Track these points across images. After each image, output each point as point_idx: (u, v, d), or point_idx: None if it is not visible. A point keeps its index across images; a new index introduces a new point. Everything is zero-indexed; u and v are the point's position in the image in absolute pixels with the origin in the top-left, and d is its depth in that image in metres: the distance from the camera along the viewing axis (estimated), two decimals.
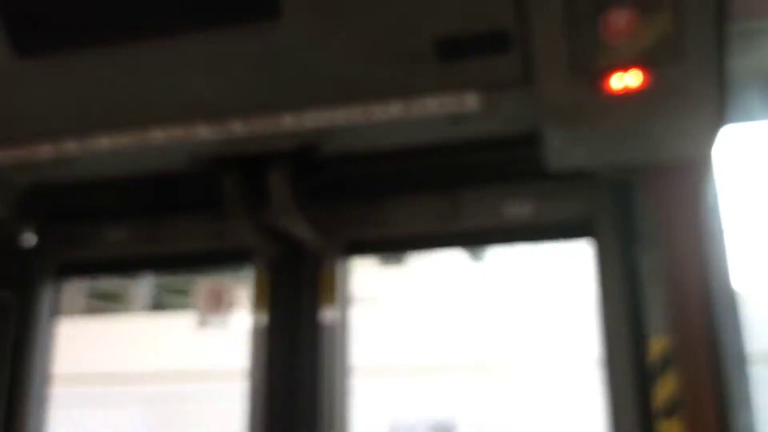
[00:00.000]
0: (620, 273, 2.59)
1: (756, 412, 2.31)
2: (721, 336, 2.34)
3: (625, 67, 2.00)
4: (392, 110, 2.24)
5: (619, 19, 1.98)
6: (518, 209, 2.79)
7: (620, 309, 2.57)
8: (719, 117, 2.03)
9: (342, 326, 2.93)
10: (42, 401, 3.17)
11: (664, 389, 2.33)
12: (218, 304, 3.12)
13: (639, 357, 2.46)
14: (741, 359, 2.33)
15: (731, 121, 2.12)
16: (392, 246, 3.05)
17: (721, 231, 2.47)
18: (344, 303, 2.97)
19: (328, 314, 2.90)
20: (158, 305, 8.97)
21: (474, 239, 2.99)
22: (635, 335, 2.50)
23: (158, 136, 2.38)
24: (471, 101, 2.19)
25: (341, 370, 2.88)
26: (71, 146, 2.46)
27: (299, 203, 2.70)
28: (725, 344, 2.34)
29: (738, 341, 2.35)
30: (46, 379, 3.18)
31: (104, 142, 2.43)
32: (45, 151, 2.50)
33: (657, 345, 2.37)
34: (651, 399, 2.36)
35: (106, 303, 8.87)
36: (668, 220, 2.46)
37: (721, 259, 2.44)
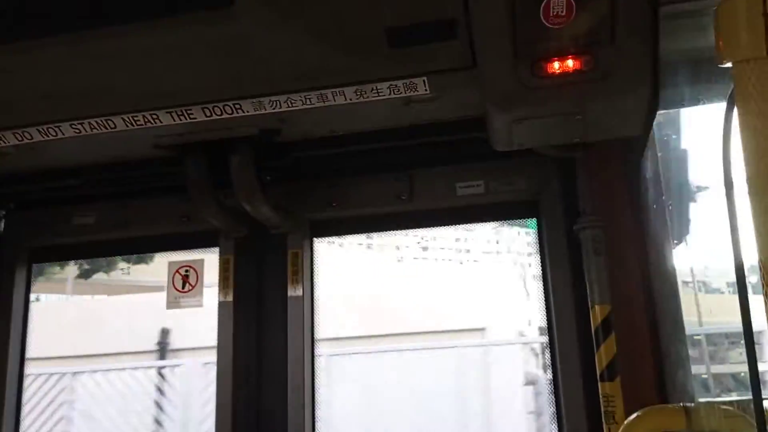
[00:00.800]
0: (565, 247, 2.74)
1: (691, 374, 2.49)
2: (658, 303, 2.51)
3: (564, 51, 2.12)
4: (347, 95, 2.34)
5: (558, 6, 2.09)
6: (471, 189, 2.93)
7: (565, 281, 2.72)
8: (654, 98, 2.16)
9: (308, 301, 3.05)
10: (18, 386, 3.24)
11: (606, 354, 2.49)
12: (187, 284, 3.21)
13: (583, 325, 2.62)
14: (677, 323, 2.51)
15: (667, 105, 2.26)
16: (353, 226, 3.17)
17: (660, 204, 2.63)
18: (310, 280, 3.09)
19: (293, 291, 3.02)
20: None
21: (430, 219, 3.12)
22: (579, 305, 2.66)
23: (121, 124, 2.45)
24: (421, 86, 2.30)
25: (308, 343, 3.01)
26: (34, 135, 2.53)
27: (262, 186, 2.80)
28: (662, 311, 2.51)
29: (674, 308, 2.52)
30: (22, 363, 3.25)
31: (67, 131, 2.49)
32: (8, 139, 2.55)
33: (599, 313, 2.52)
34: (594, 364, 2.52)
35: None
36: (608, 196, 2.62)
37: (659, 232, 2.60)
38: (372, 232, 3.21)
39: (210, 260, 3.24)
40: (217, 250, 3.16)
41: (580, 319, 2.67)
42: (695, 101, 2.28)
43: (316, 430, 2.98)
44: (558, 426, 2.70)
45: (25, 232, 3.30)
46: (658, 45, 2.09)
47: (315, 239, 3.16)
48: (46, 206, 3.28)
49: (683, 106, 2.38)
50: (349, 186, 3.07)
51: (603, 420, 2.47)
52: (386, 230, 3.18)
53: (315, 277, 3.14)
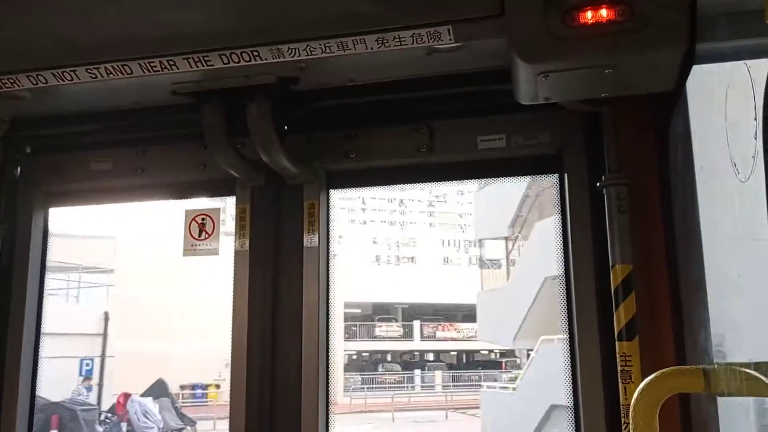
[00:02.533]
0: (587, 204, 2.68)
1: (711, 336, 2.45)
2: (681, 265, 2.46)
3: (597, 0, 2.02)
4: (368, 44, 2.26)
5: None
6: (492, 143, 2.86)
7: (586, 239, 2.67)
8: (690, 52, 2.07)
9: (324, 252, 3.04)
10: (36, 328, 3.28)
11: (625, 314, 2.46)
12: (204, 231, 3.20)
13: (602, 283, 2.58)
14: (699, 285, 2.46)
15: (701, 59, 2.16)
16: (371, 178, 3.13)
17: (688, 164, 2.55)
18: (326, 231, 3.07)
19: (308, 241, 3.00)
20: None
21: (450, 173, 3.06)
22: (599, 263, 2.61)
23: (137, 69, 2.40)
24: (445, 35, 2.21)
25: (323, 293, 3.01)
26: (49, 78, 2.48)
27: (279, 136, 2.76)
28: (685, 272, 2.46)
29: (697, 270, 2.46)
30: (40, 302, 3.29)
31: (82, 75, 2.44)
32: (23, 82, 2.51)
33: (620, 272, 2.48)
34: (612, 323, 2.49)
35: None
36: (635, 153, 2.55)
37: (687, 191, 2.53)
38: (390, 184, 3.16)
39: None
40: (233, 198, 3.14)
41: (599, 277, 2.63)
42: (734, 57, 2.18)
43: (329, 375, 3.01)
44: (573, 383, 2.70)
45: (43, 177, 3.29)
46: None
47: (332, 190, 3.12)
48: (64, 151, 3.26)
49: (721, 60, 2.27)
50: (368, 137, 3.01)
51: (619, 379, 2.46)
52: (404, 183, 3.13)
53: (331, 228, 3.12)
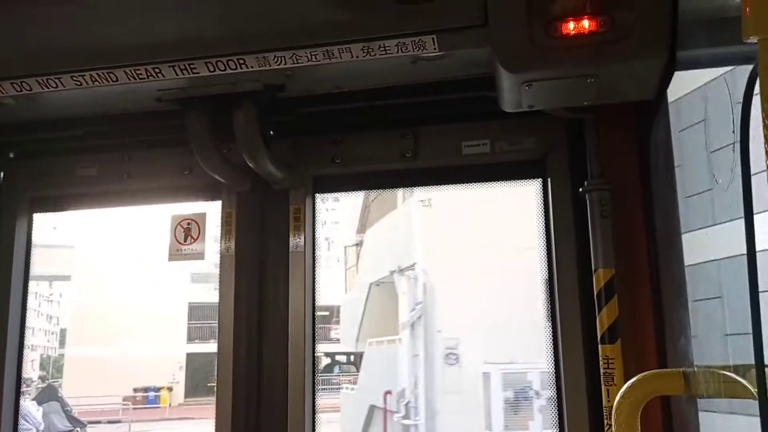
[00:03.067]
0: (570, 209, 2.72)
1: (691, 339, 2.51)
2: (662, 269, 2.51)
3: (580, 11, 2.06)
4: (353, 52, 2.28)
5: None
6: (476, 149, 2.89)
7: (569, 243, 2.71)
8: (670, 61, 2.11)
9: (310, 256, 3.05)
10: (21, 333, 3.27)
11: (608, 317, 2.50)
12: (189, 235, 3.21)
13: (586, 288, 2.62)
14: (680, 290, 2.51)
15: (681, 66, 2.20)
16: (356, 183, 3.15)
17: (670, 169, 2.60)
18: (312, 235, 3.09)
19: (294, 246, 3.02)
20: None
21: (435, 178, 3.09)
22: (582, 268, 2.65)
23: (122, 77, 2.40)
24: (430, 44, 2.24)
25: (309, 297, 3.02)
26: (33, 86, 2.48)
27: (265, 141, 2.77)
28: (666, 277, 2.51)
29: (678, 274, 2.52)
30: (24, 310, 3.28)
31: (67, 82, 2.44)
32: (6, 89, 2.50)
33: (603, 276, 2.52)
34: (595, 327, 2.53)
35: None
36: (617, 159, 2.59)
37: (668, 197, 2.57)
38: (375, 189, 3.20)
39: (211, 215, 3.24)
40: (218, 203, 3.14)
41: (581, 281, 2.67)
42: (715, 63, 2.23)
43: (316, 381, 3.03)
44: (557, 386, 2.74)
45: (26, 182, 3.27)
46: (677, 6, 2.03)
47: (317, 195, 3.13)
48: (48, 157, 3.24)
49: (701, 67, 2.32)
50: (353, 142, 3.03)
51: (602, 381, 2.50)
52: (389, 188, 3.18)
53: (316, 232, 3.14)
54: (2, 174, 3.25)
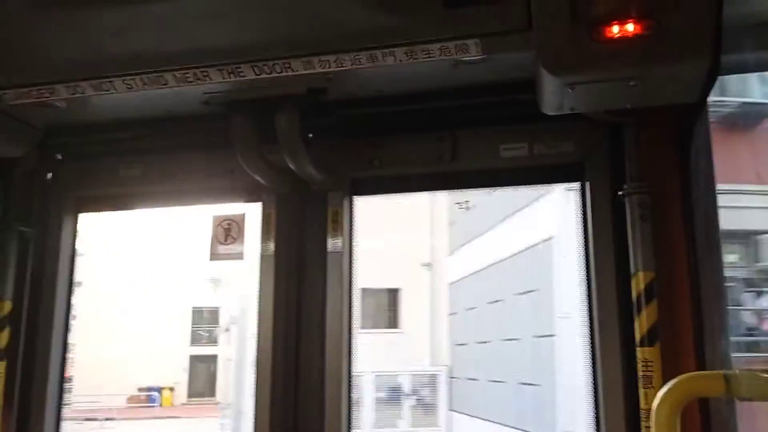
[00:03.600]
0: (609, 212, 2.73)
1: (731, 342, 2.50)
2: (702, 272, 2.51)
3: (625, 15, 2.08)
4: (397, 56, 2.33)
5: None
6: (515, 152, 2.92)
7: (607, 246, 2.72)
8: (714, 65, 2.12)
9: (347, 257, 3.10)
10: (64, 332, 3.35)
11: (647, 320, 2.51)
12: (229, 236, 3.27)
13: (625, 291, 2.63)
14: (720, 293, 2.50)
15: (726, 71, 2.21)
16: (394, 185, 3.19)
17: (710, 173, 2.60)
18: (349, 237, 3.13)
19: (332, 246, 3.06)
20: None
21: (472, 180, 3.12)
22: (620, 270, 2.66)
23: (171, 80, 2.47)
24: (473, 48, 2.27)
25: (346, 297, 3.07)
26: (86, 89, 2.56)
27: (306, 143, 2.83)
28: (705, 280, 2.51)
29: (718, 277, 2.51)
30: (68, 308, 3.37)
31: (119, 86, 2.52)
32: (60, 92, 2.59)
33: (642, 279, 2.53)
34: (634, 330, 2.54)
35: None
36: (657, 162, 2.60)
37: (708, 201, 2.58)
38: (412, 191, 3.22)
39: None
40: (259, 204, 3.21)
41: (620, 284, 2.68)
42: (759, 67, 2.23)
43: (352, 381, 3.07)
44: (593, 389, 2.74)
45: (73, 183, 3.37)
46: (722, 10, 2.04)
47: (355, 197, 3.18)
48: (94, 158, 3.34)
49: (746, 71, 2.33)
50: (391, 145, 3.07)
51: (640, 384, 2.51)
52: (427, 190, 3.20)
53: (354, 233, 3.18)
54: (50, 175, 3.35)
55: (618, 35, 2.07)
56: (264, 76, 2.45)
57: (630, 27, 2.06)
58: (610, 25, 2.07)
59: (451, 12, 2.19)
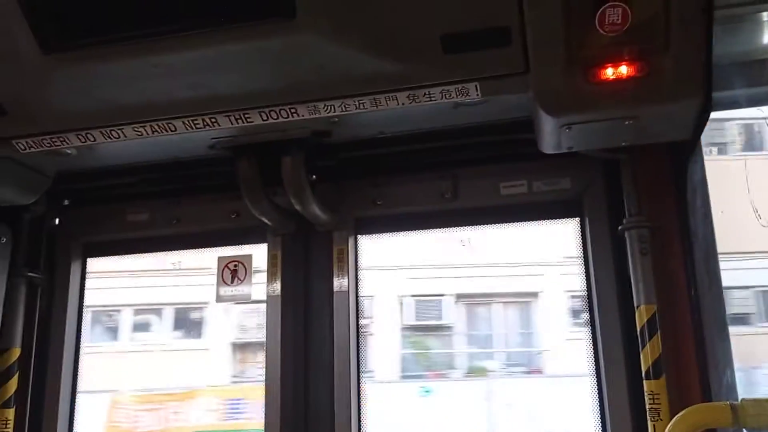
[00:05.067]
0: (609, 247, 2.79)
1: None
2: (703, 304, 2.55)
3: (618, 58, 2.16)
4: (399, 100, 2.40)
5: (614, 14, 2.13)
6: (514, 189, 2.98)
7: (609, 280, 2.77)
8: (706, 103, 2.20)
9: (353, 296, 3.14)
10: (73, 378, 3.37)
11: (652, 353, 2.54)
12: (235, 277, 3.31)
13: (627, 325, 2.67)
14: (722, 324, 2.54)
15: (719, 107, 2.29)
16: (397, 224, 3.24)
17: (707, 206, 2.66)
18: (355, 276, 3.17)
19: (338, 286, 3.10)
20: None
21: (474, 218, 3.18)
22: (624, 305, 2.70)
23: (180, 127, 2.55)
24: (473, 91, 2.36)
25: (353, 337, 3.09)
26: (96, 137, 2.63)
27: (311, 185, 2.89)
28: (707, 312, 2.55)
29: (719, 309, 2.55)
30: (77, 353, 3.38)
31: (129, 133, 2.59)
32: (72, 141, 2.66)
33: (645, 313, 2.57)
34: (639, 363, 2.57)
35: None
36: (654, 197, 2.66)
37: (706, 233, 2.63)
38: (416, 230, 3.27)
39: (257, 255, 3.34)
40: (264, 246, 3.25)
41: (624, 317, 2.72)
42: (750, 103, 2.31)
43: (361, 423, 3.07)
44: (602, 422, 2.76)
45: (80, 228, 3.42)
46: (712, 50, 2.12)
47: (360, 236, 3.23)
48: (101, 203, 3.39)
49: (738, 107, 2.41)
50: (394, 185, 3.14)
51: (648, 417, 2.52)
52: (430, 228, 3.24)
53: (359, 272, 3.22)
54: (58, 220, 3.40)
55: (612, 77, 2.15)
56: (270, 121, 2.52)
57: (623, 69, 2.14)
58: (604, 68, 2.15)
59: (450, 57, 2.27)
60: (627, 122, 2.27)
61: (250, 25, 2.21)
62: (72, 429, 3.31)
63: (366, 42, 2.24)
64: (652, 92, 2.15)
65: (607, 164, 2.84)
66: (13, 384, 3.16)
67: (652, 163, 2.71)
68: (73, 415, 3.32)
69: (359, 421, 3.04)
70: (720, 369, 2.50)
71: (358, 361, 3.10)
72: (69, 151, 2.78)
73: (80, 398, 3.36)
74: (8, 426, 3.11)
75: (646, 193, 2.69)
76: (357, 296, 3.18)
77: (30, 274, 3.26)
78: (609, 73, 2.16)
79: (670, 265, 2.64)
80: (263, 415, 3.07)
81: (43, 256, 3.35)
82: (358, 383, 3.08)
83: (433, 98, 2.40)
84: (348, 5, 2.18)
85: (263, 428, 3.06)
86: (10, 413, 3.14)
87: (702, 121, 2.28)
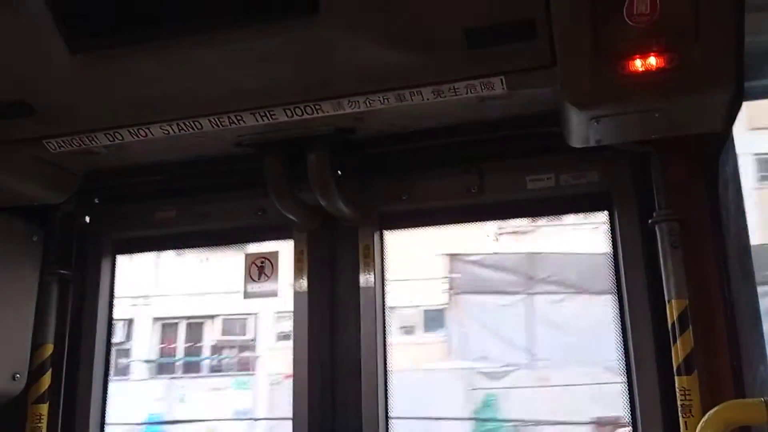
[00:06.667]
0: (639, 241, 2.74)
1: None
2: (736, 299, 2.50)
3: (647, 49, 2.11)
4: (424, 95, 2.39)
5: (642, 4, 2.08)
6: (541, 183, 2.95)
7: (639, 274, 2.73)
8: (737, 94, 2.14)
9: (380, 291, 3.13)
10: (104, 373, 3.42)
11: (683, 348, 2.50)
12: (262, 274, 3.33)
13: (659, 320, 2.62)
14: (755, 319, 2.49)
15: (750, 97, 2.23)
16: (423, 219, 3.23)
17: (739, 200, 2.60)
18: (381, 271, 3.17)
19: (364, 281, 3.10)
20: None
21: (500, 212, 3.15)
22: (654, 300, 2.66)
23: (207, 125, 2.56)
24: (498, 85, 2.33)
25: (380, 331, 3.09)
26: (125, 135, 2.66)
27: (336, 181, 2.89)
28: (740, 306, 2.50)
29: (752, 304, 2.50)
30: (108, 350, 3.44)
31: (156, 132, 2.62)
32: (100, 140, 2.69)
33: (676, 307, 2.53)
34: (670, 358, 2.53)
35: None
36: (685, 190, 2.61)
37: (738, 227, 2.58)
38: (442, 224, 3.26)
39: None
40: (291, 242, 3.26)
41: (654, 312, 2.68)
42: None
43: (389, 417, 3.07)
44: (632, 419, 2.72)
45: (110, 226, 3.46)
46: (743, 40, 2.07)
47: (385, 231, 3.22)
48: (130, 201, 3.43)
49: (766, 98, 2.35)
50: (419, 180, 3.12)
51: (679, 413, 2.49)
52: (456, 223, 3.23)
53: (385, 267, 3.22)
54: (88, 218, 3.45)
55: (641, 69, 2.11)
56: (295, 117, 2.53)
57: (652, 60, 2.09)
58: (633, 60, 2.10)
59: (476, 51, 2.24)
60: (656, 114, 2.22)
61: (273, 21, 2.21)
62: (104, 425, 3.36)
63: (389, 37, 2.22)
64: (681, 84, 2.10)
65: (636, 157, 2.79)
66: (46, 380, 3.21)
67: (682, 156, 2.66)
68: (105, 411, 3.38)
69: (386, 414, 3.04)
70: (754, 365, 2.45)
71: (384, 356, 3.10)
72: (98, 150, 2.82)
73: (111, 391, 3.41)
74: (42, 421, 3.17)
75: (677, 186, 2.63)
76: (383, 291, 3.17)
77: (61, 271, 3.32)
78: (638, 64, 2.11)
79: (702, 259, 2.59)
80: (290, 409, 3.09)
81: (73, 254, 3.40)
82: (385, 377, 3.08)
83: (458, 93, 2.38)
84: (370, 0, 2.17)
85: (291, 421, 3.08)
86: (44, 408, 3.19)
87: (734, 112, 2.22)
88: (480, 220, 3.25)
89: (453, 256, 11.99)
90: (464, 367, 11.99)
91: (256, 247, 3.38)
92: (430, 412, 10.35)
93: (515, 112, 2.71)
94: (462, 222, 3.23)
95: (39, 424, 3.16)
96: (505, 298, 12.12)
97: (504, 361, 11.80)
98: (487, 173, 3.04)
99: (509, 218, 3.23)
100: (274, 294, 3.32)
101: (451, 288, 12.36)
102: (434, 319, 13.62)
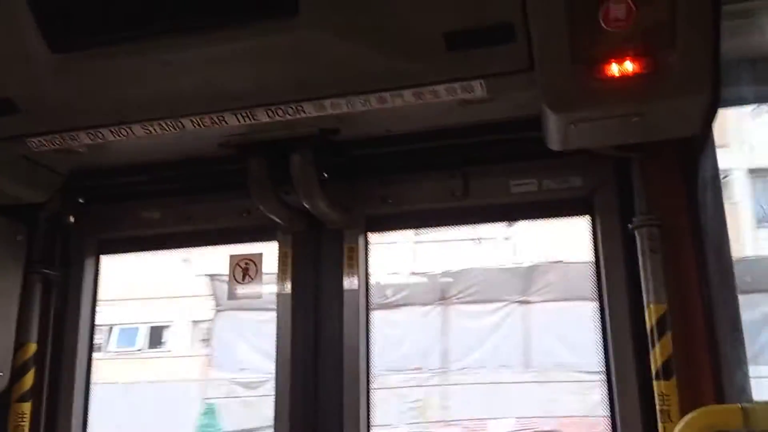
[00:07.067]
0: (619, 245, 2.75)
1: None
2: (716, 304, 2.50)
3: (623, 54, 2.12)
4: (405, 97, 2.40)
5: (618, 10, 2.10)
6: (524, 187, 2.95)
7: (619, 279, 2.73)
8: (714, 98, 2.15)
9: (363, 294, 3.13)
10: (87, 373, 3.41)
11: (662, 353, 2.50)
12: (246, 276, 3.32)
13: (638, 324, 2.63)
14: (735, 324, 2.49)
15: (726, 103, 2.24)
16: (407, 222, 3.23)
17: (719, 204, 2.61)
18: (365, 274, 3.17)
19: (348, 284, 3.10)
20: None
21: (484, 216, 3.16)
22: (632, 303, 2.66)
23: (189, 125, 2.57)
24: (478, 88, 2.34)
25: (363, 334, 3.09)
26: (106, 135, 2.66)
27: (320, 183, 2.89)
28: (719, 312, 2.50)
29: (732, 309, 2.50)
30: (90, 351, 3.43)
31: (138, 131, 2.62)
32: (82, 139, 2.70)
33: (655, 312, 2.53)
34: (648, 363, 2.53)
35: None
36: (665, 195, 2.62)
37: (718, 232, 2.58)
38: (426, 227, 3.27)
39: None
40: (275, 244, 3.26)
41: (633, 317, 2.68)
42: (757, 100, 2.26)
43: (371, 419, 3.07)
44: (612, 423, 2.72)
45: (94, 226, 3.46)
46: (719, 45, 2.08)
47: (370, 234, 3.22)
48: (114, 201, 3.43)
49: (744, 104, 2.36)
50: (404, 183, 3.13)
51: (658, 418, 2.49)
52: (440, 226, 3.24)
53: (370, 270, 3.22)
54: (72, 218, 3.44)
55: (618, 74, 2.12)
56: (278, 119, 2.53)
57: (629, 65, 2.10)
58: (609, 64, 2.12)
59: (454, 55, 2.25)
60: (634, 119, 2.23)
61: (254, 22, 2.22)
62: (86, 423, 3.36)
63: (369, 39, 2.23)
64: (658, 88, 2.12)
65: (618, 162, 2.80)
66: (29, 379, 3.21)
67: (662, 161, 2.67)
68: (87, 410, 3.37)
69: (368, 417, 3.03)
70: (732, 370, 2.46)
71: (367, 359, 3.10)
72: (80, 149, 2.82)
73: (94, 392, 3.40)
74: (25, 420, 3.16)
75: (657, 191, 2.64)
76: (367, 294, 3.17)
77: (45, 270, 3.31)
78: (614, 69, 2.12)
79: (682, 263, 2.60)
80: (272, 411, 3.08)
81: (58, 254, 3.40)
82: (368, 380, 3.08)
83: (438, 95, 2.39)
84: (350, 2, 2.18)
85: (272, 424, 3.07)
86: (27, 407, 3.19)
87: (711, 116, 2.23)
88: (464, 224, 3.26)
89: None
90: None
91: (241, 249, 3.38)
92: None
93: (500, 116, 2.72)
94: (447, 225, 3.24)
95: (22, 423, 3.16)
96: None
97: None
98: (472, 177, 3.04)
99: (493, 222, 3.23)
100: (258, 295, 3.32)
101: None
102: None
